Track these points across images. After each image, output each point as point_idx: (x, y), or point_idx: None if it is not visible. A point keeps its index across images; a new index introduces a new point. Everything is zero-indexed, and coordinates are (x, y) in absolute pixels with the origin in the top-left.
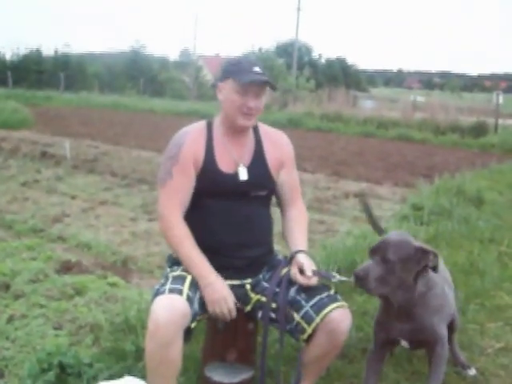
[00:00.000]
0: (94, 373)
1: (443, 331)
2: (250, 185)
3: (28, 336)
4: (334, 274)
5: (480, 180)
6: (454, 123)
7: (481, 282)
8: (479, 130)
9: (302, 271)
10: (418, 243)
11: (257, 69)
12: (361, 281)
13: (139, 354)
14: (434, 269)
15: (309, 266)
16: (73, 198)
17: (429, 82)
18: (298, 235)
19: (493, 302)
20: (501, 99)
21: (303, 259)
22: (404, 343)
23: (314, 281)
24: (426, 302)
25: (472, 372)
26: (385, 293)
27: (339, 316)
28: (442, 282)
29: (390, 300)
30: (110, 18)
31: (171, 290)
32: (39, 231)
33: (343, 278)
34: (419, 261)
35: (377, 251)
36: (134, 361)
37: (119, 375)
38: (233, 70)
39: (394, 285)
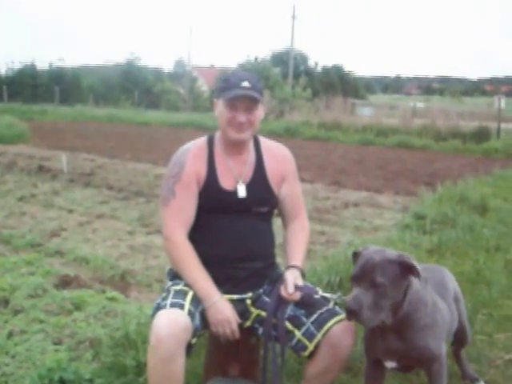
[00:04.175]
0: None
1: (439, 349)
2: (250, 201)
3: (28, 351)
4: (318, 289)
5: (483, 187)
6: (454, 129)
7: (488, 291)
8: (481, 135)
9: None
10: (397, 256)
11: (245, 84)
12: (354, 314)
13: (140, 368)
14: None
15: (292, 281)
16: (70, 211)
17: (428, 87)
18: (294, 250)
19: (501, 312)
20: (503, 103)
21: (288, 275)
22: (390, 364)
23: (296, 296)
24: (415, 321)
25: None
26: (380, 320)
27: (341, 330)
28: (435, 297)
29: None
30: (104, 31)
31: (173, 305)
32: (37, 246)
33: (326, 295)
34: (405, 275)
35: (363, 276)
36: (134, 376)
37: None
38: (222, 86)
39: (386, 308)
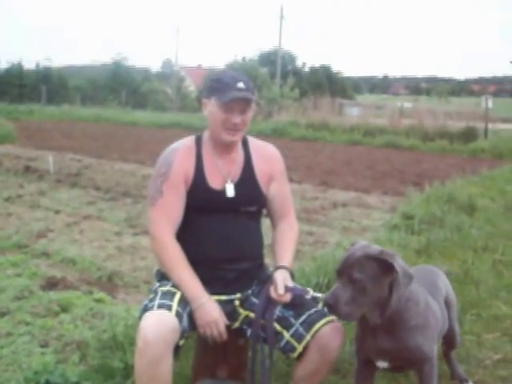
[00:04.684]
0: None
1: (431, 350)
2: (238, 201)
3: (14, 354)
4: (308, 289)
5: (471, 186)
6: (442, 129)
7: (476, 291)
8: (468, 135)
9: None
10: (378, 252)
11: (240, 85)
12: (332, 308)
13: (128, 371)
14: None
15: (281, 282)
16: (56, 212)
17: (415, 87)
18: (283, 250)
19: (489, 312)
20: (490, 103)
21: (278, 276)
22: (381, 364)
23: (286, 298)
24: (406, 321)
25: None
26: (360, 315)
27: (330, 332)
28: (428, 298)
29: (365, 319)
30: (92, 31)
31: (160, 306)
32: (23, 247)
33: (317, 295)
34: (386, 272)
35: (343, 272)
36: (122, 378)
37: None
38: (216, 87)
39: (368, 304)
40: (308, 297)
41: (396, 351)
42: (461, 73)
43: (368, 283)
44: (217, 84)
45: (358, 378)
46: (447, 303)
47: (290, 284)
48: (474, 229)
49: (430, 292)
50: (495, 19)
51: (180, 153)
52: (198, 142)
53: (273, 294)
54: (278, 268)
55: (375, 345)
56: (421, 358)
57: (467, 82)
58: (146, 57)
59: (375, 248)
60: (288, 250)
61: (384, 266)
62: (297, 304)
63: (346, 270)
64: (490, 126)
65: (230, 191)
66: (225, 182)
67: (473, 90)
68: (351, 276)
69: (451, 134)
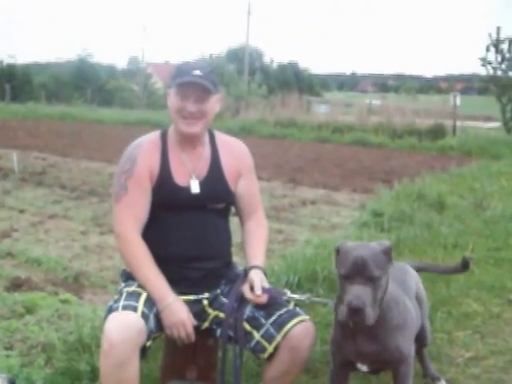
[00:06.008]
0: None
1: (409, 350)
2: (205, 198)
3: None
4: (286, 291)
5: (440, 184)
6: (410, 126)
7: (447, 289)
8: (437, 132)
9: (252, 288)
10: (377, 244)
11: (196, 72)
12: (359, 313)
13: (94, 373)
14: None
15: (259, 283)
16: (21, 212)
17: (383, 84)
18: (255, 249)
19: (460, 310)
20: (458, 101)
21: (254, 276)
22: (361, 366)
23: (263, 299)
24: (388, 321)
25: None
26: (376, 316)
27: (301, 332)
28: (405, 295)
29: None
30: (56, 27)
31: (125, 307)
32: None
33: (294, 296)
34: (391, 260)
35: (356, 272)
36: (89, 381)
37: None
38: (174, 75)
39: (378, 302)
40: (285, 298)
41: (377, 353)
42: (428, 70)
43: (384, 279)
44: (175, 72)
45: (333, 381)
46: (418, 300)
47: (266, 285)
48: (443, 226)
49: (401, 290)
50: (462, 16)
51: (144, 148)
52: (163, 137)
53: (248, 295)
54: (251, 268)
55: (355, 348)
56: (399, 358)
57: (435, 79)
58: (112, 53)
59: (372, 243)
60: (259, 249)
61: (389, 256)
62: (268, 304)
63: (361, 269)
64: (458, 123)
65: (195, 187)
66: (190, 178)
67: (441, 88)
68: (371, 274)
69: (420, 131)
